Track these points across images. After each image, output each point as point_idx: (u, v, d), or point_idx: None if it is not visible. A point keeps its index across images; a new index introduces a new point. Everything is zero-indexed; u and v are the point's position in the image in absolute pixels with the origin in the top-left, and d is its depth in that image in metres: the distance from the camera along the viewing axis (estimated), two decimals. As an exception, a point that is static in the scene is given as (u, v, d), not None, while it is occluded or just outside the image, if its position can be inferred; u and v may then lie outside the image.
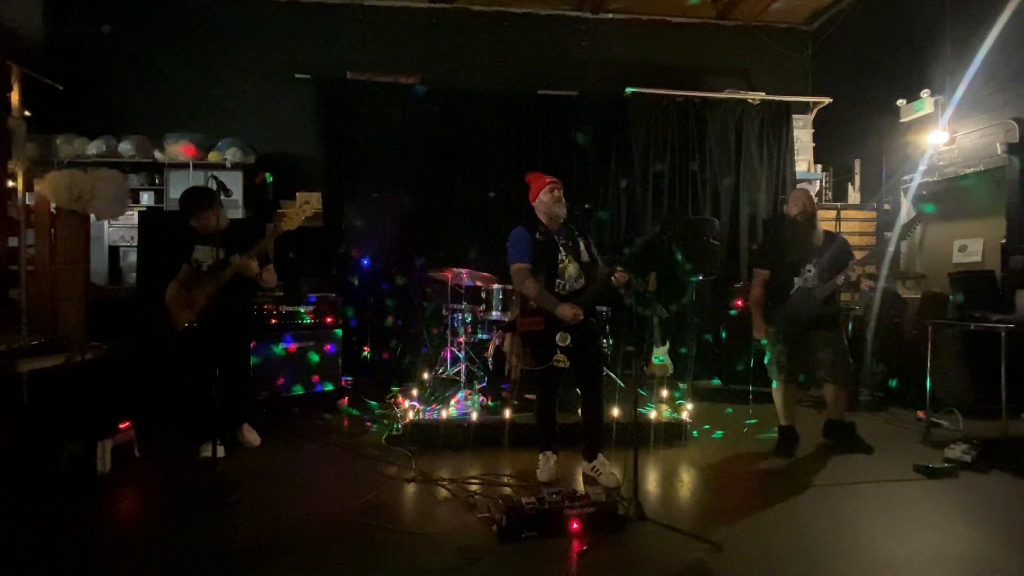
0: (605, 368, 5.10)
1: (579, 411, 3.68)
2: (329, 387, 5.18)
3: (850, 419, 4.20)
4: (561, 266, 3.43)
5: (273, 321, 5.00)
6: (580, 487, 3.31)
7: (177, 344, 3.80)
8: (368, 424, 4.69)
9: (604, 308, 5.29)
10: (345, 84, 6.40)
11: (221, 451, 3.38)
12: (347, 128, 6.25)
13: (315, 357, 5.10)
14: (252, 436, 4.04)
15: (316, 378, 5.10)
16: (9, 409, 3.35)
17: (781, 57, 7.57)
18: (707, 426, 4.63)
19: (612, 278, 3.32)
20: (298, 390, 5.00)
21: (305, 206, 3.82)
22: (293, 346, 5.01)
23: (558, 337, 3.29)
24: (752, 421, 4.81)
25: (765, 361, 4.11)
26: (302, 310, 5.13)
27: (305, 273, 5.53)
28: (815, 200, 4.04)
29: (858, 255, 4.04)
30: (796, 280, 3.94)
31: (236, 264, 3.63)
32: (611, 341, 5.43)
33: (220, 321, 3.63)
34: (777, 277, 4.01)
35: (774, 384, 4.08)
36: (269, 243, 3.78)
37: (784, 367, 3.98)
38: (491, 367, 4.68)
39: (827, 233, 4.11)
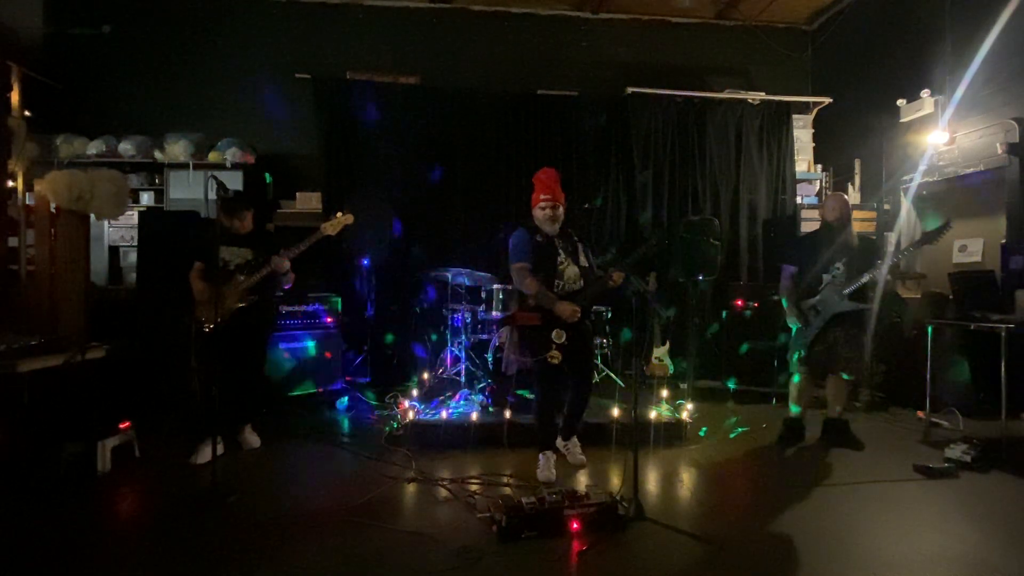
0: (605, 368, 5.14)
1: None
2: (329, 387, 5.17)
3: (845, 416, 4.28)
4: (561, 268, 3.55)
5: (273, 321, 5.00)
6: (580, 487, 3.31)
7: (197, 341, 3.82)
8: (368, 424, 4.69)
9: (604, 308, 5.29)
10: (345, 84, 6.38)
11: (220, 448, 3.39)
12: (347, 128, 6.24)
13: (315, 357, 5.10)
14: (253, 438, 4.03)
15: (316, 378, 5.10)
16: (9, 409, 3.34)
17: (781, 57, 7.57)
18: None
19: (610, 280, 3.45)
20: (298, 390, 5.00)
21: (347, 218, 4.00)
22: (293, 346, 5.00)
23: (554, 334, 3.39)
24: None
25: (791, 357, 4.24)
26: (302, 310, 5.13)
27: (305, 273, 5.52)
28: (850, 205, 4.25)
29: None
30: (825, 277, 4.08)
31: (275, 263, 3.77)
32: (610, 340, 5.43)
33: (247, 320, 3.76)
34: (806, 274, 4.15)
35: (795, 378, 4.23)
36: (306, 246, 3.89)
37: (804, 360, 4.13)
38: (492, 366, 4.67)
39: (860, 235, 4.26)
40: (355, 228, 5.96)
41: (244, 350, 3.86)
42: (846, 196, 4.38)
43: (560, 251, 3.57)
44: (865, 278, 3.92)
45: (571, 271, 3.56)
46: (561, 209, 3.62)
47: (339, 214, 4.00)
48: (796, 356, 4.16)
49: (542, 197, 3.60)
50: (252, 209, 3.99)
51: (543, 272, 3.51)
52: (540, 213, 3.60)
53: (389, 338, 5.98)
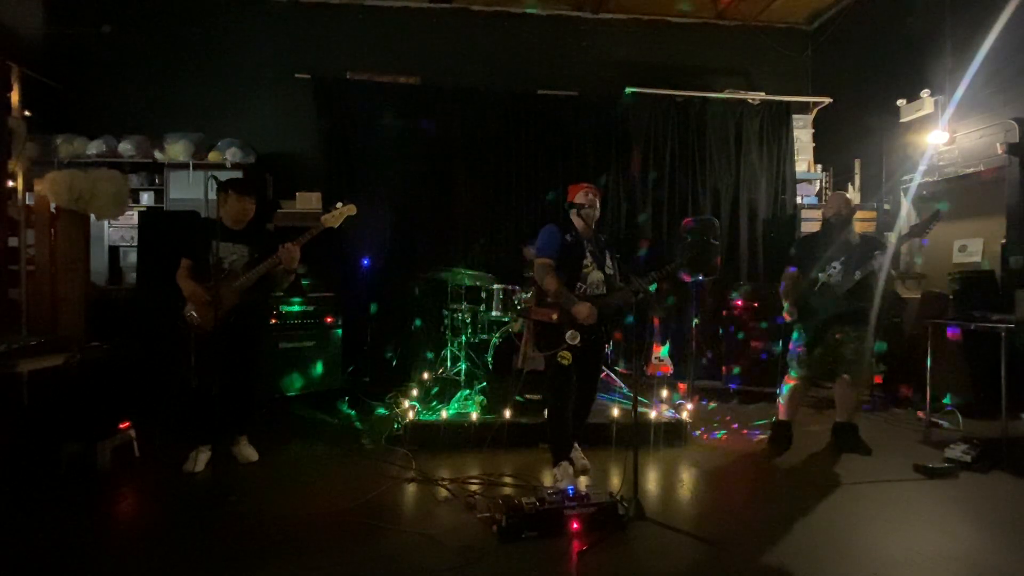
0: (605, 368, 5.14)
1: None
2: (329, 387, 5.17)
3: (855, 421, 4.16)
4: (585, 271, 3.45)
5: (273, 321, 5.00)
6: (580, 487, 3.30)
7: (192, 344, 3.58)
8: (368, 424, 4.69)
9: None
10: (345, 84, 6.39)
11: (208, 454, 3.44)
12: (347, 128, 6.24)
13: (315, 357, 5.10)
14: (249, 452, 3.77)
15: (316, 378, 5.10)
16: (9, 409, 3.34)
17: (781, 57, 7.56)
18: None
19: (633, 295, 3.32)
20: (298, 390, 5.00)
21: (348, 208, 3.73)
22: (293, 346, 5.00)
23: (568, 335, 3.27)
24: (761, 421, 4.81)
25: (790, 360, 4.11)
26: (302, 309, 5.12)
27: (305, 272, 5.53)
28: (851, 203, 4.17)
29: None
30: (820, 276, 3.97)
31: (284, 253, 3.48)
32: (611, 343, 5.44)
33: (241, 321, 3.53)
34: (806, 275, 4.05)
35: (785, 388, 4.11)
36: (306, 239, 3.62)
37: (804, 362, 4.00)
38: (492, 366, 4.66)
39: (863, 235, 4.17)
40: (355, 228, 6.04)
41: (238, 354, 3.58)
42: (847, 195, 4.33)
43: (588, 254, 3.47)
44: (858, 275, 3.84)
45: (595, 276, 3.47)
46: (598, 205, 3.57)
47: (339, 204, 3.75)
48: (796, 359, 4.04)
49: (585, 185, 3.56)
50: (252, 198, 3.68)
51: (567, 272, 3.42)
52: (584, 199, 3.50)
53: (389, 337, 5.98)
